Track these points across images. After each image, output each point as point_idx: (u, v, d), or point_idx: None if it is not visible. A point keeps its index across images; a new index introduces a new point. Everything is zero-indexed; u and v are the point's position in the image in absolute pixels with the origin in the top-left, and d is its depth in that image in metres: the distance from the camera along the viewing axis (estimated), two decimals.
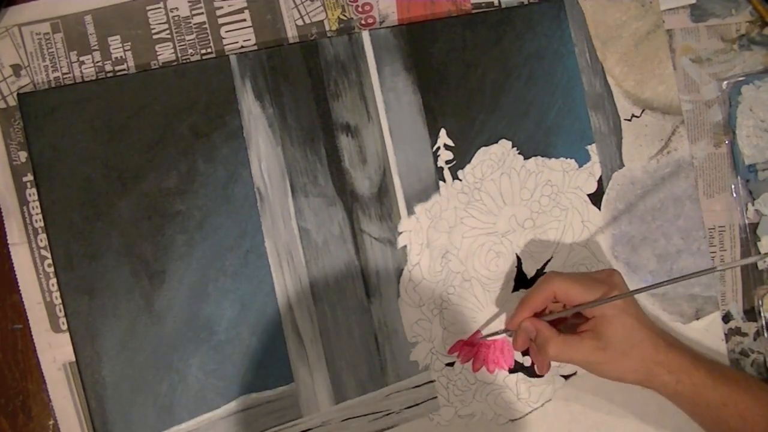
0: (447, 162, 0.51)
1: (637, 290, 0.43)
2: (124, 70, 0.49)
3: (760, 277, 0.53)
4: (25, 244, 0.47)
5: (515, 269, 0.51)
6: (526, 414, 0.51)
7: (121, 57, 0.49)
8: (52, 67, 0.48)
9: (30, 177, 0.47)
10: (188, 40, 0.49)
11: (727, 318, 0.53)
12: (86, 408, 0.46)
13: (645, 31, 0.53)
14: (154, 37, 0.49)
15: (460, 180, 0.51)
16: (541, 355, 0.46)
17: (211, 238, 0.48)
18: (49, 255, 0.47)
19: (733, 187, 0.53)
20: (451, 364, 0.50)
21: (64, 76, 0.48)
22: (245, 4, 0.50)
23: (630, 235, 0.52)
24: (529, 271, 0.51)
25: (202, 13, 0.49)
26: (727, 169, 0.53)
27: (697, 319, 0.52)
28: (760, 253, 0.52)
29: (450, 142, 0.51)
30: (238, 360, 0.47)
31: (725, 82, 0.53)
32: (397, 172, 0.50)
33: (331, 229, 0.49)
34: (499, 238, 0.51)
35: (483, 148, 0.51)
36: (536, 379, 0.51)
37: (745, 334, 0.53)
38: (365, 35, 0.50)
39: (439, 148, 0.51)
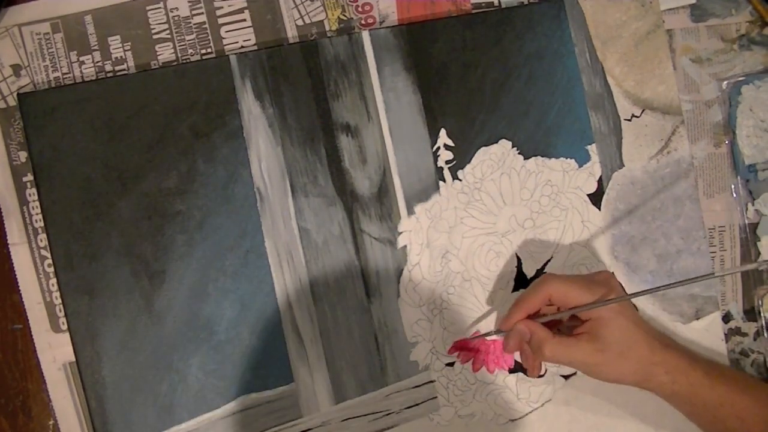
0: (447, 162, 0.51)
1: (634, 294, 0.43)
2: (124, 70, 0.49)
3: (760, 277, 0.53)
4: (25, 244, 0.47)
5: (515, 269, 0.51)
6: (526, 414, 0.51)
7: (121, 57, 0.49)
8: (52, 67, 0.48)
9: (30, 177, 0.47)
10: (188, 40, 0.49)
11: (727, 318, 0.53)
12: (86, 408, 0.46)
13: (645, 31, 0.53)
14: (154, 37, 0.49)
15: (460, 180, 0.51)
16: (536, 356, 0.46)
17: (211, 238, 0.48)
18: (49, 255, 0.47)
19: (733, 187, 0.53)
20: (451, 364, 0.50)
21: (64, 76, 0.48)
22: (245, 4, 0.50)
23: (630, 235, 0.52)
24: (529, 271, 0.51)
25: (202, 13, 0.49)
26: (727, 169, 0.53)
27: (697, 319, 0.52)
28: (760, 253, 0.52)
29: (450, 142, 0.51)
30: (238, 360, 0.47)
31: (725, 82, 0.53)
32: (397, 172, 0.50)
33: (331, 229, 0.49)
34: (499, 238, 0.51)
35: (483, 148, 0.51)
36: (536, 379, 0.51)
37: (745, 334, 0.53)
38: (365, 35, 0.50)
39: (439, 148, 0.51)
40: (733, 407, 0.44)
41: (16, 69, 0.48)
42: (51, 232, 0.46)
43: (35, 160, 0.46)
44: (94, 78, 0.48)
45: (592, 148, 0.52)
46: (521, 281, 0.51)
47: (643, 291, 0.44)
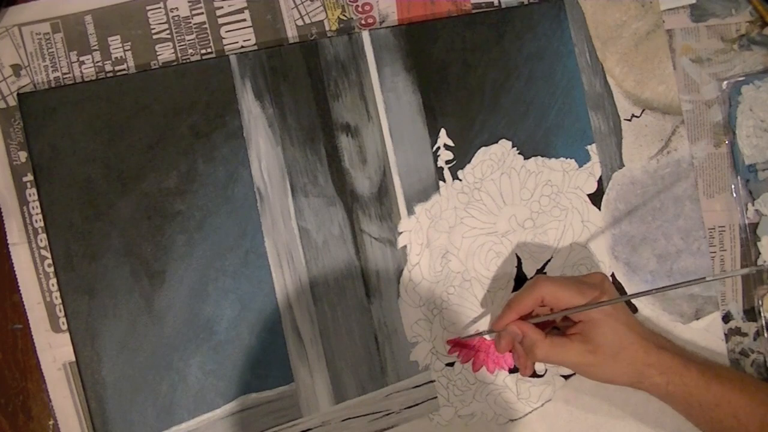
0: (447, 162, 0.51)
1: (626, 296, 0.43)
2: (124, 70, 0.49)
3: (760, 277, 0.53)
4: (25, 244, 0.47)
5: (515, 269, 0.51)
6: (526, 414, 0.51)
7: (121, 57, 0.49)
8: (52, 67, 0.48)
9: (30, 177, 0.47)
10: (188, 40, 0.49)
11: (727, 318, 0.53)
12: (86, 408, 0.46)
13: (645, 31, 0.53)
14: (154, 37, 0.49)
15: (460, 180, 0.51)
16: (528, 357, 0.46)
17: (211, 238, 0.48)
18: (49, 255, 0.47)
19: (733, 187, 0.53)
20: (451, 364, 0.50)
21: (64, 76, 0.48)
22: (245, 4, 0.50)
23: (630, 235, 0.52)
24: (529, 271, 0.51)
25: (202, 13, 0.49)
26: (727, 169, 0.53)
27: (697, 319, 0.52)
28: (760, 253, 0.52)
29: (450, 142, 0.51)
30: (238, 360, 0.47)
31: (725, 82, 0.53)
32: (397, 172, 0.50)
33: (331, 229, 0.49)
34: (499, 238, 0.51)
35: (483, 148, 0.51)
36: (536, 379, 0.51)
37: (745, 334, 0.53)
38: (365, 35, 0.50)
39: (439, 148, 0.51)
40: (730, 407, 0.44)
41: (16, 69, 0.48)
42: (51, 232, 0.46)
43: (35, 160, 0.46)
44: (94, 78, 0.48)
45: (592, 148, 0.52)
46: (521, 281, 0.51)
47: (635, 294, 0.44)
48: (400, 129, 0.50)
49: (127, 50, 0.49)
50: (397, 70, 0.50)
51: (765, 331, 0.52)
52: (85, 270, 0.46)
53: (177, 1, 0.49)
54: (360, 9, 0.51)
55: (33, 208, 0.48)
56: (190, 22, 0.49)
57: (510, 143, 0.51)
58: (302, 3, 0.50)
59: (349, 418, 0.49)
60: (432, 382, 0.50)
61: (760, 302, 0.52)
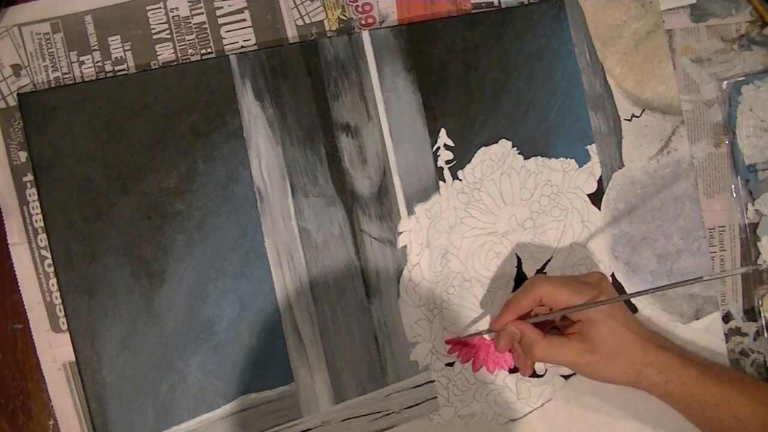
0: (447, 162, 0.51)
1: (625, 296, 0.43)
2: (124, 70, 0.49)
3: (760, 277, 0.53)
4: (25, 244, 0.47)
5: (515, 269, 0.51)
6: (526, 414, 0.51)
7: (121, 57, 0.49)
8: (52, 67, 0.48)
9: (30, 177, 0.47)
10: (188, 40, 0.49)
11: (727, 318, 0.53)
12: (86, 408, 0.46)
13: (645, 31, 0.53)
14: (154, 37, 0.49)
15: (460, 180, 0.51)
16: (527, 356, 0.46)
17: (211, 238, 0.48)
18: (49, 255, 0.47)
19: (733, 187, 0.53)
20: (451, 364, 0.50)
21: (64, 76, 0.48)
22: (245, 4, 0.50)
23: (630, 235, 0.52)
24: (529, 271, 0.51)
25: (202, 13, 0.49)
26: (727, 169, 0.53)
27: (697, 319, 0.52)
28: (760, 253, 0.52)
29: (450, 142, 0.51)
30: (238, 360, 0.47)
31: (725, 82, 0.53)
32: (397, 172, 0.50)
33: (331, 229, 0.49)
34: (499, 238, 0.51)
35: (483, 148, 0.51)
36: (536, 379, 0.51)
37: (745, 334, 0.53)
38: (365, 35, 0.50)
39: (439, 148, 0.51)
40: (729, 406, 0.44)
41: (16, 69, 0.48)
42: (51, 232, 0.46)
43: (35, 160, 0.46)
44: (94, 78, 0.48)
45: (592, 148, 0.52)
46: (521, 281, 0.51)
47: (632, 293, 0.44)
48: (400, 129, 0.50)
49: (127, 50, 0.49)
50: (397, 70, 0.50)
51: (765, 331, 0.52)
52: (85, 270, 0.46)
53: (177, 1, 0.49)
54: (360, 9, 0.51)
55: (33, 208, 0.48)
56: (190, 22, 0.49)
57: (510, 143, 0.51)
58: (302, 3, 0.50)
59: (349, 418, 0.49)
60: (432, 382, 0.50)
61: (760, 302, 0.52)
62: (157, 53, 0.49)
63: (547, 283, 0.45)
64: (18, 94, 0.46)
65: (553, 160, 0.52)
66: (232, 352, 0.47)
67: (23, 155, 0.48)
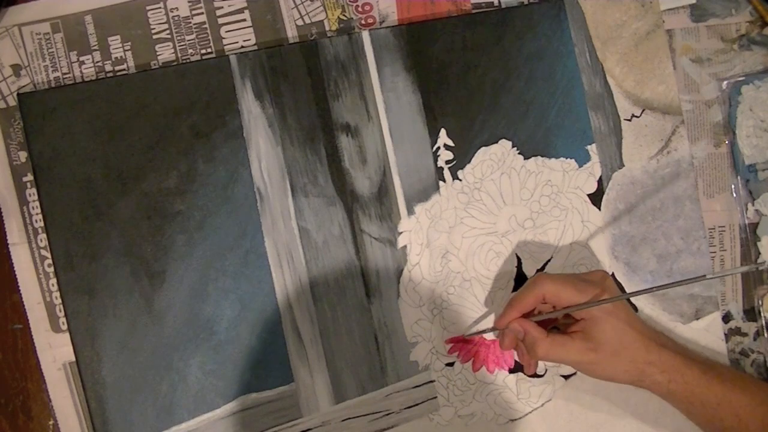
0: (447, 162, 0.51)
1: (627, 294, 0.43)
2: (124, 70, 0.49)
3: (760, 277, 0.53)
4: (25, 244, 0.47)
5: (515, 269, 0.51)
6: (526, 414, 0.51)
7: (121, 57, 0.49)
8: (52, 67, 0.48)
9: (30, 177, 0.47)
10: (188, 40, 0.49)
11: (727, 318, 0.53)
12: (86, 408, 0.46)
13: (645, 31, 0.53)
14: (154, 37, 0.49)
15: (460, 180, 0.51)
16: (530, 355, 0.46)
17: (211, 238, 0.48)
18: (49, 255, 0.47)
19: (733, 187, 0.53)
20: (451, 364, 0.50)
21: (64, 76, 0.48)
22: (245, 4, 0.50)
23: (630, 235, 0.52)
24: (529, 271, 0.51)
25: (202, 13, 0.49)
26: (727, 169, 0.53)
27: (697, 319, 0.52)
28: (760, 253, 0.52)
29: (450, 142, 0.51)
30: (238, 360, 0.47)
31: (725, 82, 0.53)
32: (397, 172, 0.50)
33: (331, 229, 0.49)
34: (499, 238, 0.51)
35: (483, 148, 0.51)
36: (536, 379, 0.51)
37: (745, 334, 0.53)
38: (365, 35, 0.50)
39: (439, 148, 0.51)
40: (731, 406, 0.44)
41: (16, 69, 0.48)
42: (51, 232, 0.46)
43: (35, 160, 0.46)
44: (94, 78, 0.48)
45: (592, 148, 0.52)
46: (521, 281, 0.51)
47: (636, 292, 0.44)
48: (400, 129, 0.50)
49: (127, 50, 0.49)
50: (397, 70, 0.50)
51: (765, 331, 0.52)
52: (85, 270, 0.46)
53: (177, 1, 0.49)
54: (360, 9, 0.51)
55: (33, 208, 0.48)
56: (190, 22, 0.49)
57: (510, 143, 0.51)
58: (302, 3, 0.50)
59: (349, 418, 0.49)
60: (432, 382, 0.50)
61: (760, 302, 0.52)
62: (157, 53, 0.49)
63: (550, 281, 0.45)
64: (18, 94, 0.46)
65: (553, 160, 0.52)
66: (232, 352, 0.47)
67: (23, 155, 0.48)
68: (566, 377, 0.51)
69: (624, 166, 0.52)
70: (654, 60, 0.53)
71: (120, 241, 0.47)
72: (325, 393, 0.48)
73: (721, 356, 0.52)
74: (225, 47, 0.50)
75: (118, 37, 0.49)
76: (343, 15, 0.51)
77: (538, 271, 0.51)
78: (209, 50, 0.49)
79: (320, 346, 0.49)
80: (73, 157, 0.47)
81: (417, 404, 0.50)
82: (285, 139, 0.49)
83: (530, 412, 0.51)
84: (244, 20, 0.50)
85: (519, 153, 0.51)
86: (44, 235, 0.47)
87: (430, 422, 0.50)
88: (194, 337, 0.47)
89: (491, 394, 0.50)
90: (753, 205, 0.53)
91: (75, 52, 0.48)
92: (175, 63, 0.49)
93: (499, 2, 0.52)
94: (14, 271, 0.47)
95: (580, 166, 0.52)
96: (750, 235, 0.53)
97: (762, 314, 0.52)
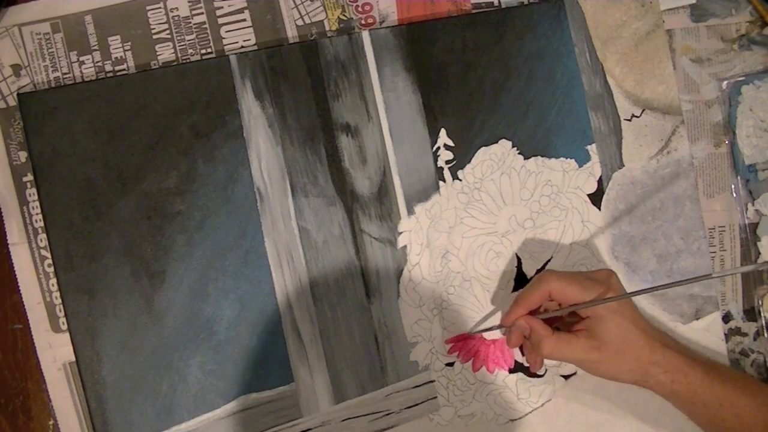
0: (447, 162, 0.51)
1: (634, 293, 0.43)
2: (124, 70, 0.49)
3: (760, 277, 0.53)
4: (25, 244, 0.47)
5: (515, 269, 0.51)
6: (526, 414, 0.51)
7: (121, 57, 0.49)
8: (52, 67, 0.48)
9: (30, 177, 0.47)
10: (188, 40, 0.49)
11: (727, 318, 0.53)
12: (86, 408, 0.46)
13: (645, 31, 0.53)
14: (154, 37, 0.49)
15: (460, 180, 0.51)
16: (535, 352, 0.46)
17: (211, 238, 0.48)
18: (49, 255, 0.47)
19: (733, 187, 0.53)
20: (451, 364, 0.50)
21: (64, 76, 0.48)
22: (245, 4, 0.50)
23: (630, 235, 0.52)
24: (529, 271, 0.51)
25: (202, 13, 0.49)
26: (727, 169, 0.53)
27: (697, 319, 0.52)
28: (760, 253, 0.52)
29: (450, 142, 0.51)
30: (238, 360, 0.47)
31: (725, 82, 0.53)
32: (397, 172, 0.50)
33: (331, 229, 0.49)
34: (499, 238, 0.51)
35: (483, 148, 0.51)
36: (536, 379, 0.51)
37: (745, 334, 0.53)
38: (365, 35, 0.50)
39: (439, 148, 0.51)
40: (733, 407, 0.44)
41: (16, 69, 0.48)
42: (51, 232, 0.46)
43: (35, 160, 0.46)
44: (94, 78, 0.48)
45: (592, 148, 0.52)
46: (521, 281, 0.51)
47: (642, 290, 0.44)
48: (400, 129, 0.50)
49: (127, 50, 0.49)
50: (397, 70, 0.50)
51: (765, 331, 0.52)
52: (85, 270, 0.46)
53: (177, 1, 0.49)
54: (360, 9, 0.51)
55: (33, 208, 0.48)
56: (190, 22, 0.49)
57: (510, 143, 0.51)
58: (302, 3, 0.50)
59: (349, 418, 0.49)
60: (432, 382, 0.50)
61: (760, 302, 0.52)
62: (157, 53, 0.49)
63: (556, 278, 0.45)
64: (18, 94, 0.46)
65: (553, 160, 0.52)
66: (232, 352, 0.47)
67: (23, 155, 0.48)
68: (566, 377, 0.51)
69: (624, 166, 0.52)
70: (654, 60, 0.53)
71: (120, 241, 0.47)
72: (325, 393, 0.48)
73: (721, 356, 0.52)
74: (225, 47, 0.50)
75: (118, 37, 0.49)
76: (343, 15, 0.51)
77: (538, 271, 0.51)
78: (209, 50, 0.49)
79: (320, 346, 0.49)
80: (73, 157, 0.47)
81: (417, 404, 0.50)
82: (285, 139, 0.49)
83: (530, 412, 0.51)
84: (244, 20, 0.50)
85: (519, 153, 0.51)
86: (44, 235, 0.47)
87: (430, 422, 0.50)
88: (194, 337, 0.47)
89: (491, 394, 0.50)
90: (753, 205, 0.53)
91: (75, 52, 0.48)
92: (175, 63, 0.49)
93: (499, 2, 0.52)
94: (14, 271, 0.47)
95: (580, 166, 0.52)
96: (750, 235, 0.53)
97: (762, 314, 0.52)
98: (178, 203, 0.47)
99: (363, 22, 0.51)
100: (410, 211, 0.50)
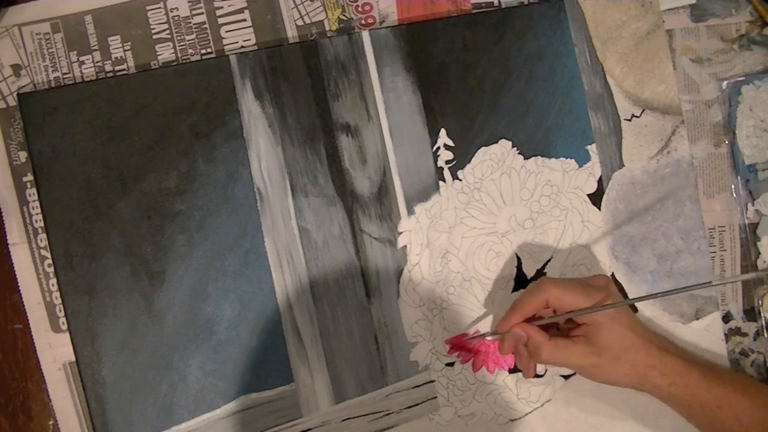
0: (447, 162, 0.51)
1: (631, 300, 0.43)
2: (124, 70, 0.49)
3: (760, 277, 0.53)
4: (25, 244, 0.47)
5: (515, 269, 0.51)
6: (526, 414, 0.51)
7: (121, 57, 0.49)
8: (52, 67, 0.48)
9: (30, 177, 0.48)
10: (188, 40, 0.49)
11: (727, 318, 0.53)
12: (86, 408, 0.46)
13: (645, 31, 0.53)
14: (154, 37, 0.49)
15: (460, 180, 0.51)
16: (533, 359, 0.46)
17: (211, 238, 0.48)
18: (49, 255, 0.47)
19: (733, 187, 0.53)
20: (451, 364, 0.50)
21: (64, 76, 0.48)
22: (245, 4, 0.50)
23: (630, 235, 0.52)
24: (529, 271, 0.51)
25: (202, 13, 0.49)
26: (727, 169, 0.53)
27: (697, 319, 0.52)
28: (759, 253, 0.52)
29: (450, 142, 0.51)
30: (238, 360, 0.47)
31: (725, 82, 0.53)
32: (397, 172, 0.50)
33: (331, 229, 0.49)
34: (499, 238, 0.51)
35: (483, 148, 0.51)
36: (536, 379, 0.51)
37: (745, 334, 0.53)
38: (365, 35, 0.50)
39: (439, 148, 0.51)
40: (731, 409, 0.44)
41: (16, 69, 0.48)
42: (51, 232, 0.46)
43: (35, 160, 0.46)
44: (94, 78, 0.48)
45: (592, 148, 0.52)
46: (521, 281, 0.51)
47: (639, 297, 0.44)
48: (400, 129, 0.50)
49: (127, 50, 0.49)
50: (397, 70, 0.50)
51: (765, 331, 0.52)
52: (85, 270, 0.46)
53: (177, 1, 0.49)
54: (360, 9, 0.51)
55: (33, 208, 0.48)
56: (190, 22, 0.49)
57: (510, 143, 0.51)
58: (302, 3, 0.50)
59: (349, 418, 0.49)
60: (432, 382, 0.50)
61: (760, 302, 0.52)
62: (157, 53, 0.49)
63: (553, 285, 0.45)
64: (18, 94, 0.47)
65: (553, 160, 0.52)
66: (232, 352, 0.47)
67: (23, 155, 0.48)
68: (566, 377, 0.51)
69: (624, 166, 0.52)
70: (654, 60, 0.53)
71: (120, 241, 0.47)
72: (325, 393, 0.48)
73: (721, 356, 0.52)
74: (225, 47, 0.50)
75: (118, 37, 0.49)
76: (343, 15, 0.51)
77: (538, 271, 0.51)
78: (209, 50, 0.49)
79: (320, 346, 0.49)
80: (73, 157, 0.47)
81: (417, 404, 0.50)
82: (285, 139, 0.49)
83: (530, 412, 0.51)
84: (244, 20, 0.50)
85: (519, 153, 0.51)
86: (44, 235, 0.47)
87: (430, 422, 0.50)
88: (194, 337, 0.47)
89: (491, 394, 0.50)
90: (753, 205, 0.53)
91: (75, 52, 0.48)
92: (175, 63, 0.49)
93: (499, 2, 0.52)
94: (14, 271, 0.47)
95: (580, 166, 0.52)
96: (750, 235, 0.53)
97: (762, 314, 0.52)
98: (178, 203, 0.47)
99: (363, 22, 0.51)
100: (410, 211, 0.50)
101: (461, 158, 0.51)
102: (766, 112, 0.52)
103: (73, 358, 0.46)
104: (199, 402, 0.47)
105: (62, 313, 0.47)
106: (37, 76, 0.48)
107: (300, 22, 0.50)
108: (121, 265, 0.47)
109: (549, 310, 0.47)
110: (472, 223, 0.51)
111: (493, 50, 0.51)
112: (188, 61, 0.49)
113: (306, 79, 0.49)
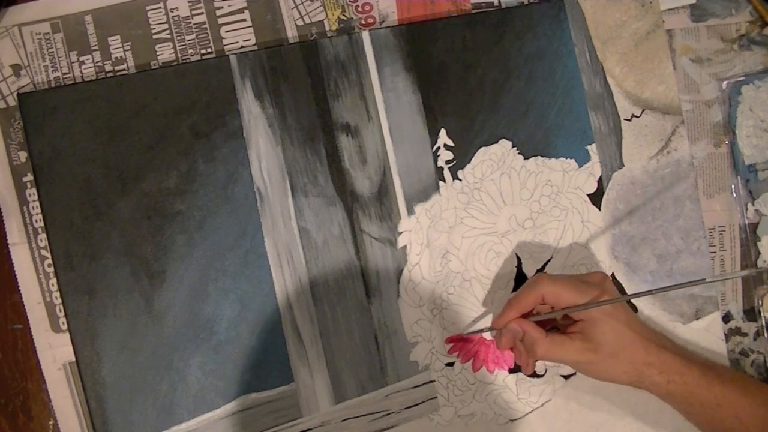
0: (447, 162, 0.51)
1: (627, 296, 0.43)
2: (124, 70, 0.49)
3: (760, 277, 0.53)
4: (25, 244, 0.47)
5: (515, 269, 0.51)
6: (526, 414, 0.51)
7: (121, 57, 0.49)
8: (52, 67, 0.48)
9: (30, 177, 0.48)
10: (188, 40, 0.49)
11: (727, 318, 0.53)
12: (86, 408, 0.46)
13: (645, 31, 0.53)
14: (154, 37, 0.49)
15: (460, 180, 0.51)
16: (529, 355, 0.46)
17: (211, 238, 0.48)
18: (49, 255, 0.47)
19: (733, 187, 0.53)
20: (451, 364, 0.50)
21: (64, 76, 0.48)
22: (245, 4, 0.50)
23: (630, 235, 0.52)
24: (529, 271, 0.51)
25: (202, 13, 0.49)
26: (727, 169, 0.53)
27: (697, 319, 0.52)
28: (759, 253, 0.52)
29: (450, 142, 0.51)
30: (238, 360, 0.47)
31: (725, 82, 0.53)
32: (397, 172, 0.50)
33: (331, 229, 0.49)
34: (499, 238, 0.51)
35: (483, 148, 0.51)
36: (536, 379, 0.51)
37: (745, 334, 0.53)
38: (365, 35, 0.50)
39: (439, 148, 0.51)
40: (731, 407, 0.44)
41: (16, 69, 0.48)
42: (51, 232, 0.46)
43: (35, 160, 0.46)
44: (94, 78, 0.48)
45: (592, 148, 0.52)
46: (521, 281, 0.51)
47: (636, 294, 0.44)
48: (400, 129, 0.50)
49: (127, 50, 0.49)
50: (397, 70, 0.50)
51: (765, 331, 0.52)
52: (85, 270, 0.46)
53: (177, 1, 0.49)
54: (360, 9, 0.51)
55: (33, 208, 0.48)
56: (190, 22, 0.49)
57: (510, 143, 0.51)
58: (302, 3, 0.50)
59: (349, 418, 0.49)
60: (432, 382, 0.50)
61: (760, 302, 0.52)
62: (157, 53, 0.49)
63: (549, 281, 0.45)
64: (18, 94, 0.47)
65: (553, 160, 0.52)
66: (232, 352, 0.47)
67: (23, 155, 0.48)
68: (566, 377, 0.51)
69: (624, 166, 0.52)
70: (654, 60, 0.53)
71: (120, 241, 0.47)
72: (325, 393, 0.49)
73: (721, 356, 0.52)
74: (225, 47, 0.50)
75: (118, 37, 0.49)
76: (343, 15, 0.51)
77: (538, 271, 0.51)
78: (209, 50, 0.49)
79: (320, 346, 0.49)
80: (73, 157, 0.47)
81: (417, 404, 0.50)
82: (285, 139, 0.49)
83: (530, 412, 0.51)
84: (244, 20, 0.50)
85: (519, 153, 0.51)
86: (44, 235, 0.47)
87: (430, 422, 0.50)
88: (194, 337, 0.47)
89: (491, 394, 0.50)
90: (753, 205, 0.53)
91: (75, 52, 0.48)
92: (175, 63, 0.49)
93: (499, 2, 0.52)
94: (14, 271, 0.47)
95: (580, 166, 0.52)
96: (750, 235, 0.53)
97: (762, 314, 0.52)
98: (178, 203, 0.47)
99: (363, 22, 0.51)
100: (410, 211, 0.50)
101: (461, 158, 0.51)
102: (766, 112, 0.52)
103: (73, 358, 0.46)
104: (199, 402, 0.47)
105: (62, 313, 0.47)
106: (37, 76, 0.48)
107: (300, 22, 0.50)
108: (121, 265, 0.47)
109: (546, 306, 0.47)
110: (472, 223, 0.51)
111: (493, 50, 0.51)
112: (188, 61, 0.49)
113: (306, 79, 0.49)
